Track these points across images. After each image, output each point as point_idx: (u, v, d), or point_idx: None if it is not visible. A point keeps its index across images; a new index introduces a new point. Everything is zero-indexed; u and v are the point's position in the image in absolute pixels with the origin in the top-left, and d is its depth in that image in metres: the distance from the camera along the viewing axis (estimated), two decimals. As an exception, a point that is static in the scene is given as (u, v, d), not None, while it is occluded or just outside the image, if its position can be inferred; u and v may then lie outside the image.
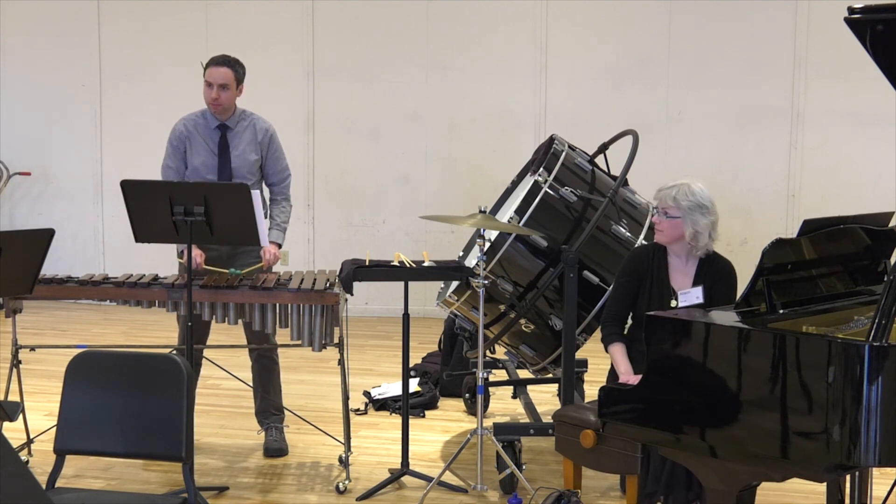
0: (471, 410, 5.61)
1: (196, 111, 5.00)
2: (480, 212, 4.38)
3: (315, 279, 4.61)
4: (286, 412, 5.15)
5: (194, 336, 4.80)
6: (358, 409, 5.67)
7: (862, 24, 2.87)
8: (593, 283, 4.60)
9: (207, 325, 4.84)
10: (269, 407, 5.06)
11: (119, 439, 3.22)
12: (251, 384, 5.09)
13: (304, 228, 8.65)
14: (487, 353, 5.40)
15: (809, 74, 7.91)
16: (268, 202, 5.00)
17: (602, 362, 4.49)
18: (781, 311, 3.15)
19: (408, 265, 4.52)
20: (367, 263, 4.54)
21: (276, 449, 4.97)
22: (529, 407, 4.95)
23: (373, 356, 6.95)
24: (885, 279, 2.81)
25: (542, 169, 4.66)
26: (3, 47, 8.95)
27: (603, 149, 5.13)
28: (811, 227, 3.26)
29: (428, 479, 4.45)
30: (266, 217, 4.78)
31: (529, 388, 5.31)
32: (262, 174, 5.01)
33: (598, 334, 4.51)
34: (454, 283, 4.80)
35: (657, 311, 3.34)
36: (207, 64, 4.89)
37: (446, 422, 5.58)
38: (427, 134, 8.43)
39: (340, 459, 4.73)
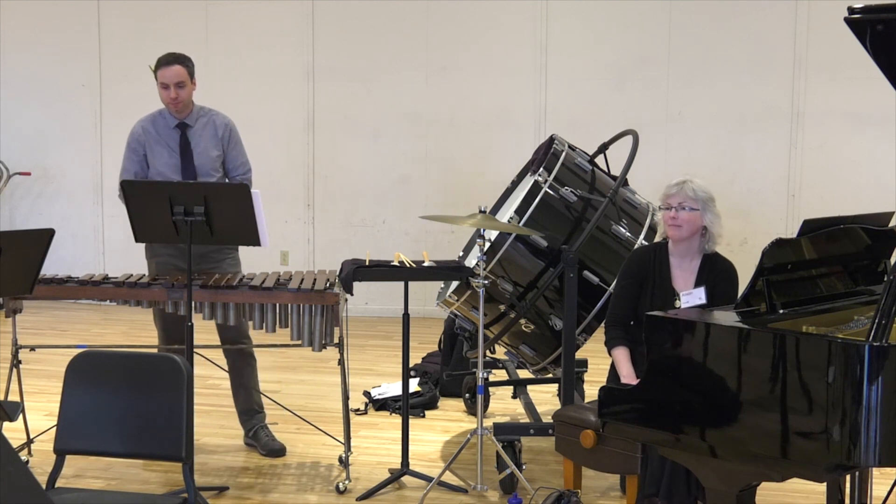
0: (471, 410, 5.61)
1: (153, 112, 4.98)
2: (480, 212, 4.38)
3: (315, 279, 4.61)
4: (287, 412, 5.16)
5: (175, 335, 4.81)
6: (358, 409, 5.67)
7: (862, 24, 2.87)
8: (593, 283, 4.60)
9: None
10: (252, 405, 5.06)
11: (119, 439, 3.22)
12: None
13: (304, 228, 8.65)
14: (487, 353, 5.40)
15: (809, 74, 7.91)
16: None
17: (602, 362, 4.49)
18: (781, 311, 3.15)
19: (408, 265, 4.52)
20: (367, 263, 4.54)
21: (277, 448, 4.97)
22: (529, 407, 4.95)
23: (373, 356, 6.95)
24: (885, 279, 2.81)
25: (542, 169, 4.66)
26: (3, 47, 8.95)
27: (603, 149, 5.13)
28: (811, 227, 3.26)
29: (428, 479, 4.45)
30: None
31: (529, 388, 5.31)
32: (224, 169, 5.00)
33: (598, 334, 4.51)
34: (454, 283, 4.80)
35: (657, 312, 3.34)
36: (157, 66, 4.85)
37: (446, 422, 5.58)
38: (427, 134, 8.43)
39: (340, 459, 4.73)
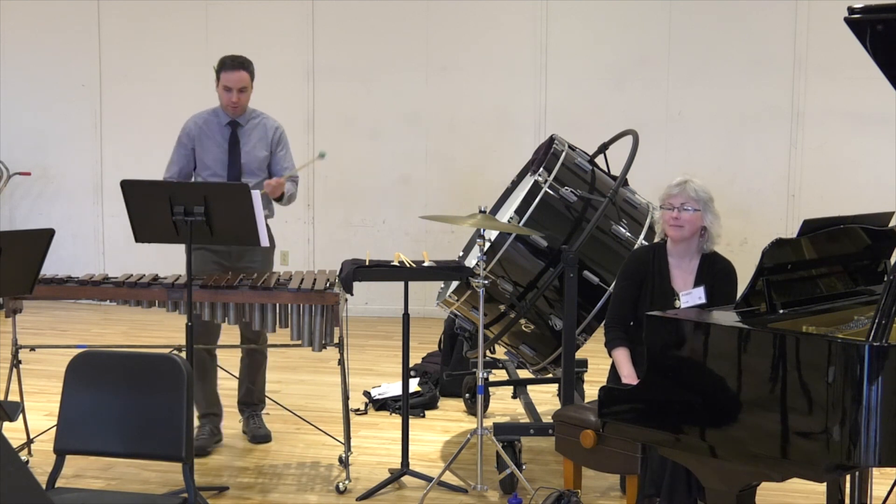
0: (471, 410, 5.61)
1: (207, 109, 5.06)
2: (480, 212, 4.38)
3: (315, 279, 4.61)
4: (287, 412, 5.17)
5: (205, 336, 4.86)
6: (358, 409, 5.67)
7: (862, 24, 2.87)
8: (593, 283, 4.60)
9: (218, 325, 4.86)
10: (253, 398, 5.19)
11: (119, 439, 3.22)
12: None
13: (304, 228, 8.65)
14: (487, 353, 5.40)
15: (809, 74, 7.91)
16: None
17: (602, 362, 4.49)
18: (781, 311, 3.15)
19: (408, 265, 4.52)
20: (367, 263, 4.54)
21: (262, 435, 5.11)
22: (529, 407, 4.95)
23: (373, 356, 6.95)
24: (885, 279, 2.81)
25: (542, 169, 4.66)
26: (4, 47, 8.95)
27: (603, 149, 5.13)
28: (811, 227, 3.26)
29: (428, 479, 4.45)
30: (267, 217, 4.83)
31: (529, 388, 5.31)
32: (269, 172, 5.04)
33: (598, 334, 4.51)
34: (454, 283, 4.80)
35: (657, 312, 3.34)
36: (221, 68, 4.92)
37: (446, 422, 5.58)
38: (427, 134, 8.43)
39: (340, 459, 4.73)
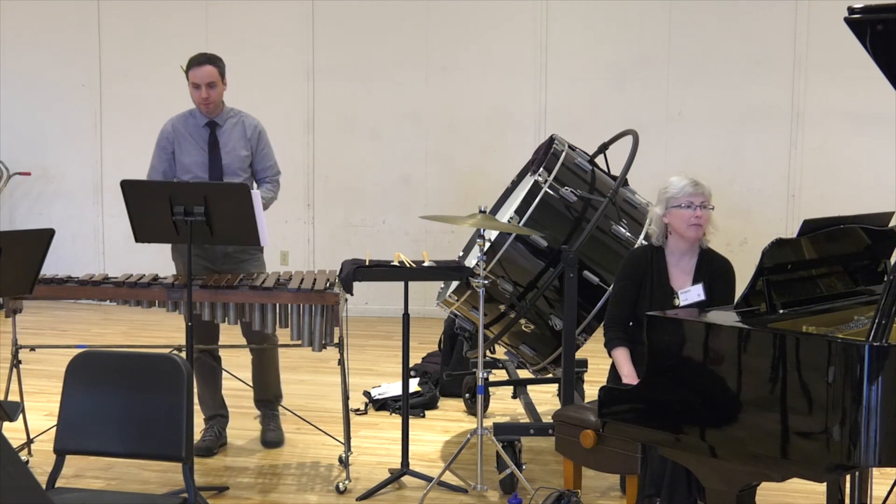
0: (471, 410, 5.61)
1: (184, 111, 5.01)
2: (480, 212, 4.38)
3: (315, 279, 4.61)
4: (287, 412, 5.18)
5: (207, 337, 4.85)
6: (358, 409, 5.67)
7: (862, 24, 2.87)
8: (593, 283, 4.60)
9: (217, 326, 4.86)
10: (268, 395, 5.17)
11: (119, 439, 3.22)
12: (250, 382, 5.15)
13: (304, 228, 8.65)
14: (487, 353, 5.40)
15: (809, 74, 7.91)
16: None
17: (602, 362, 4.49)
18: (781, 311, 3.15)
19: (408, 265, 4.52)
20: (367, 263, 4.55)
21: (272, 441, 5.09)
22: (529, 407, 4.95)
23: (373, 356, 6.96)
24: (885, 279, 2.81)
25: (542, 169, 4.66)
26: (3, 47, 8.95)
27: (603, 149, 5.13)
28: (811, 227, 3.26)
29: (428, 479, 4.45)
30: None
31: (529, 388, 5.31)
32: (252, 171, 5.01)
33: (598, 334, 4.51)
34: (454, 283, 4.80)
35: (657, 311, 3.34)
36: (188, 66, 4.88)
37: (446, 422, 5.58)
38: (427, 134, 8.43)
39: (340, 459, 4.74)
